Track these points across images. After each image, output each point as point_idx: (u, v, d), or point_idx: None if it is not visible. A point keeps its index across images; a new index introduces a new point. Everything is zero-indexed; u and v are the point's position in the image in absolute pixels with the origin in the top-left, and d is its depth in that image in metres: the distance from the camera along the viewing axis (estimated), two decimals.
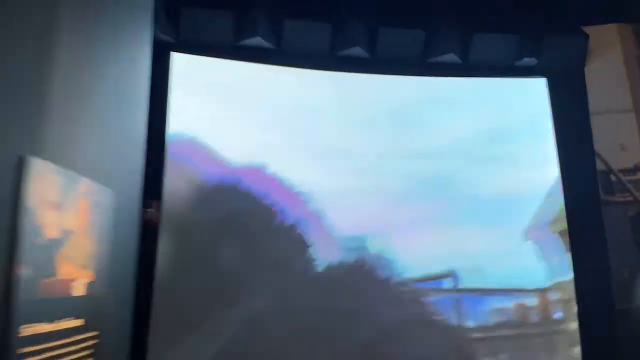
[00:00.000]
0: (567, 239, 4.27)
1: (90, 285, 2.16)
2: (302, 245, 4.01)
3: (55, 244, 1.90)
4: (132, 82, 2.80)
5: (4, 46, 1.65)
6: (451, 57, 4.32)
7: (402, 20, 4.34)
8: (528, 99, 4.47)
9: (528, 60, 4.47)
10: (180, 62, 4.32)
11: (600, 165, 4.37)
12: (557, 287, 4.18)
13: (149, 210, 3.66)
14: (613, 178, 4.37)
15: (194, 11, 4.23)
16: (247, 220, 3.99)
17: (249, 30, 4.30)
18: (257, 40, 4.32)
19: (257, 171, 4.08)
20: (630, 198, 4.32)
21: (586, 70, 4.48)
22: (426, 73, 4.41)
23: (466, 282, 4.06)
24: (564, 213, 4.29)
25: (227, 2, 4.36)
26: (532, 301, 4.17)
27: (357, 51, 4.34)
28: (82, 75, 2.15)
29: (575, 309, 4.13)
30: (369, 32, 4.36)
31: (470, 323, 4.07)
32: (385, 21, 4.34)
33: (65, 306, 1.98)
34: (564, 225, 4.26)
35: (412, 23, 4.34)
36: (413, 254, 4.04)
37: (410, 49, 4.33)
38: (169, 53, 4.32)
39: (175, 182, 3.81)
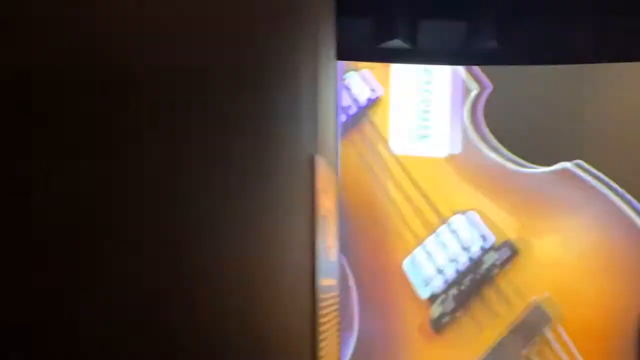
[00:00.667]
0: None
1: (336, 253, 2.78)
2: None
3: (326, 220, 2.50)
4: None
5: (300, 86, 2.27)
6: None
7: (536, 13, 4.52)
8: None
9: None
10: None
11: None
12: None
13: None
14: None
15: (338, 19, 4.59)
16: None
17: (387, 33, 4.69)
18: (395, 43, 4.69)
19: None
20: None
21: None
22: (562, 62, 4.67)
23: None
24: None
25: (366, 9, 4.75)
26: None
27: (492, 44, 4.68)
28: (324, 95, 2.78)
29: None
30: (502, 25, 4.66)
31: None
32: (518, 13, 4.64)
33: (330, 268, 2.58)
34: None
35: (546, 15, 4.52)
36: None
37: (545, 39, 4.58)
38: None
39: None
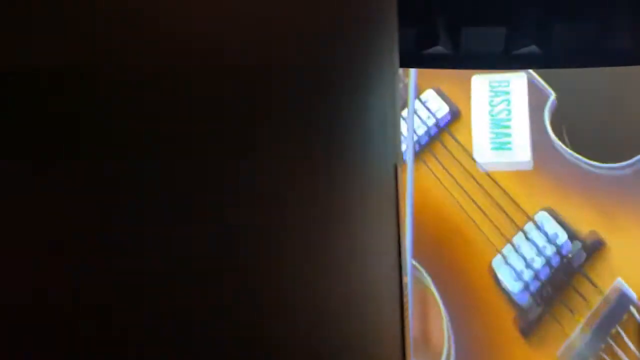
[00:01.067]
0: None
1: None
2: None
3: (403, 225, 2.86)
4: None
5: (385, 92, 2.59)
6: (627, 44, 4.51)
7: (576, 14, 4.55)
8: None
9: None
10: None
11: None
12: None
13: None
14: None
15: None
16: None
17: (429, 40, 4.72)
18: (437, 49, 4.69)
19: None
20: None
21: None
22: (601, 64, 4.69)
23: None
24: None
25: (407, 17, 4.90)
26: None
27: (532, 49, 4.64)
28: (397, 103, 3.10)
29: None
30: (543, 29, 4.64)
31: None
32: (559, 16, 4.59)
33: (405, 267, 2.92)
34: None
35: (586, 16, 4.54)
36: None
37: (586, 41, 4.58)
38: None
39: None
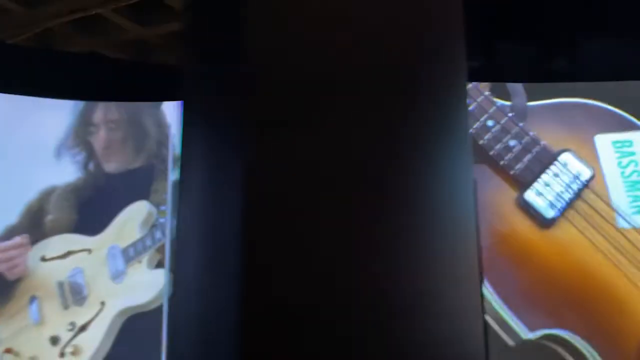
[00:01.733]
0: None
1: None
2: None
3: None
4: None
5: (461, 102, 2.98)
6: None
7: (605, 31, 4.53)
8: None
9: None
10: None
11: None
12: None
13: None
14: None
15: None
16: None
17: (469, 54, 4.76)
18: (472, 64, 4.74)
19: None
20: None
21: None
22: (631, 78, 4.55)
23: None
24: None
25: None
26: None
27: (561, 62, 4.60)
28: None
29: None
30: (571, 45, 4.63)
31: None
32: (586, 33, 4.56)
33: None
34: None
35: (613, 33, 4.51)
36: None
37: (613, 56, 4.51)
38: None
39: None
